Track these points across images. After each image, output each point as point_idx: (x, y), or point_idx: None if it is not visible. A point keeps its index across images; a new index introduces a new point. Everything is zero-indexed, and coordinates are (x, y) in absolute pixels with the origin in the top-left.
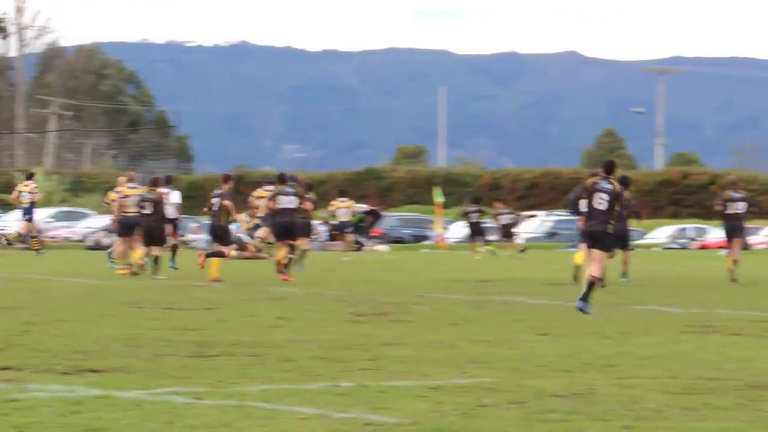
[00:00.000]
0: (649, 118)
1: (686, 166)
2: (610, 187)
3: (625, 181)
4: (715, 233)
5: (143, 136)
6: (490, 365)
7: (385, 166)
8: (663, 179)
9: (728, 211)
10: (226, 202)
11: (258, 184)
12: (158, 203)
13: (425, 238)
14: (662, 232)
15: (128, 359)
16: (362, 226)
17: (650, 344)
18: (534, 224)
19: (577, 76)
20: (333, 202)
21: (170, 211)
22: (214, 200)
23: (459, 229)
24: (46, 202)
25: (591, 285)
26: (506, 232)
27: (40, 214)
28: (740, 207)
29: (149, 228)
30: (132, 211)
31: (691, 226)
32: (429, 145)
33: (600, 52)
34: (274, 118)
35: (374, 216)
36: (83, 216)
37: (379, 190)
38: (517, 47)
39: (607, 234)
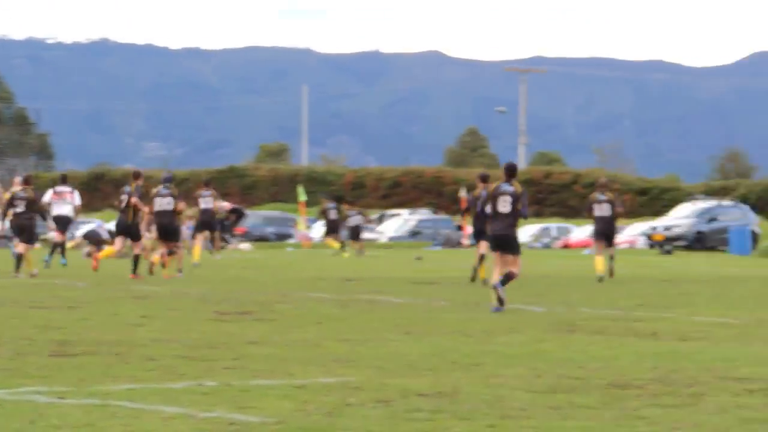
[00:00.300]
0: (512, 117)
1: (549, 165)
2: (511, 189)
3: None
4: (578, 232)
5: (2, 134)
6: (354, 364)
7: (248, 165)
8: (525, 178)
9: (595, 214)
10: (134, 199)
11: (120, 182)
12: (31, 201)
13: (289, 236)
14: (525, 232)
15: None
16: (225, 224)
17: (515, 343)
18: (397, 223)
19: (440, 75)
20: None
21: (69, 210)
22: (123, 197)
23: (322, 228)
24: None
25: (509, 277)
26: (354, 233)
27: None
28: (605, 209)
29: (20, 225)
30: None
31: (553, 225)
32: (292, 143)
33: (462, 52)
34: (135, 116)
35: (237, 214)
36: None
37: (241, 188)
38: (380, 46)
39: (514, 238)
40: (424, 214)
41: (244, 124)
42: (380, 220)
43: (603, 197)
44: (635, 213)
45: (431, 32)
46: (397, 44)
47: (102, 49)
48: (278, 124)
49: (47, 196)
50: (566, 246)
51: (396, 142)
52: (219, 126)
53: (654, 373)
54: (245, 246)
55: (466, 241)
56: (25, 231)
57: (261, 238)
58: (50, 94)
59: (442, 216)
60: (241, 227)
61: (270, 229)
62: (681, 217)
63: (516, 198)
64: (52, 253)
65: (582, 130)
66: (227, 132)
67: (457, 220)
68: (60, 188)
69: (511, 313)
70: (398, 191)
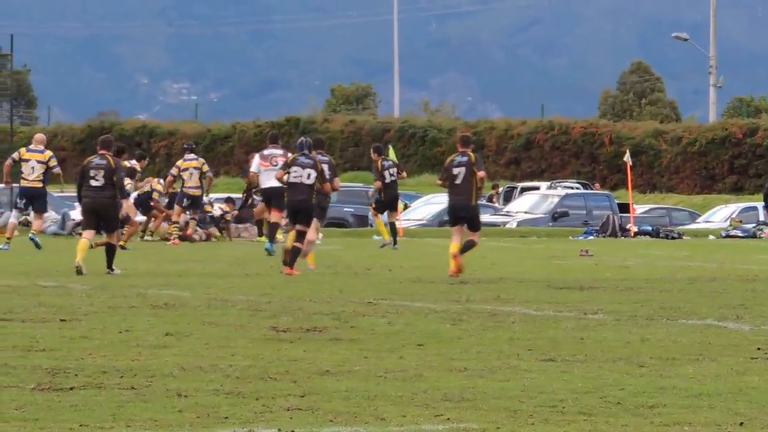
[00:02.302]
0: (697, 47)
1: (753, 117)
2: None
3: None
4: None
5: None
6: (474, 405)
7: (316, 115)
8: (720, 136)
9: None
10: (482, 174)
11: (131, 140)
12: (112, 172)
13: None
14: (720, 214)
15: None
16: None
17: (706, 376)
18: (532, 201)
19: None
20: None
21: None
22: (458, 170)
23: (426, 208)
24: None
25: None
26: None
27: None
28: None
29: (97, 207)
30: None
31: (760, 204)
32: (377, 84)
33: None
34: (151, 45)
35: None
36: None
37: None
38: None
39: None
40: (571, 187)
41: (307, 57)
42: (507, 196)
43: None
44: None
45: None
46: None
47: None
48: (357, 57)
49: (254, 164)
50: None
51: (528, 83)
52: (272, 59)
53: None
54: None
55: (633, 228)
56: (104, 216)
57: (336, 222)
58: (29, 14)
59: (599, 191)
60: None
61: (348, 209)
62: None
63: None
64: (272, 238)
65: None
66: (284, 68)
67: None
68: (270, 151)
69: (702, 332)
70: (533, 154)
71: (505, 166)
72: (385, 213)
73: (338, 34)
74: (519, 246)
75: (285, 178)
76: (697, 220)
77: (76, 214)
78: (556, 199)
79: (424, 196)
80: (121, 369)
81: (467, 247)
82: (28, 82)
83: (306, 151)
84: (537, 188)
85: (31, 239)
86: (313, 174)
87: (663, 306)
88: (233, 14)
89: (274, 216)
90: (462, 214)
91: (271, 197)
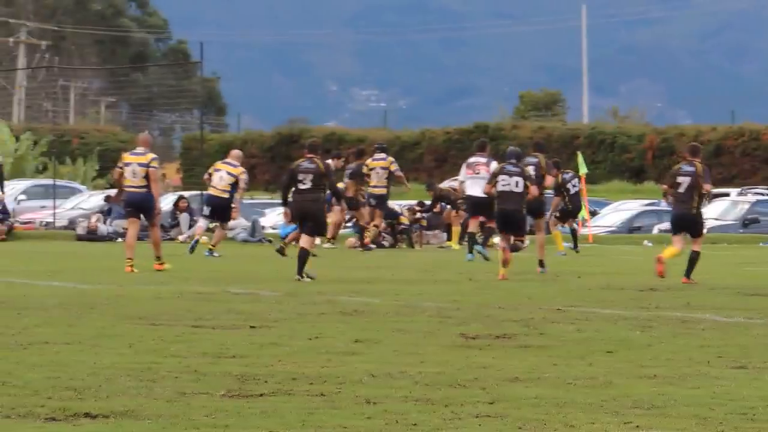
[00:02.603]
0: None
1: None
2: None
3: None
4: None
5: (153, 77)
6: (665, 412)
7: (505, 121)
8: None
9: None
10: (708, 186)
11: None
12: (321, 175)
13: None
14: None
15: (141, 399)
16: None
17: None
18: (722, 207)
19: None
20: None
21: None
22: (683, 179)
23: (615, 215)
24: (15, 172)
25: None
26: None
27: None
28: None
29: (304, 209)
30: (133, 184)
31: None
32: (567, 90)
33: None
34: (339, 52)
35: None
36: (70, 191)
37: (497, 154)
38: None
39: None
40: (761, 193)
41: (496, 64)
42: None
43: None
44: None
45: None
46: None
47: None
48: (544, 63)
49: (462, 173)
50: None
51: (718, 89)
52: (461, 66)
53: None
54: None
55: None
56: (310, 219)
57: None
58: (217, 22)
59: None
60: None
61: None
62: None
63: None
64: (471, 247)
65: None
66: (474, 75)
67: None
68: (475, 159)
69: None
70: (723, 160)
71: None
72: (564, 223)
73: (528, 41)
74: (708, 252)
75: (493, 190)
76: None
77: (266, 220)
78: (746, 206)
79: (613, 203)
80: (310, 376)
81: (692, 261)
82: (218, 89)
83: (513, 160)
84: (727, 195)
85: (208, 255)
86: (522, 182)
87: None
88: (421, 22)
89: (473, 225)
90: (684, 222)
91: (475, 206)
